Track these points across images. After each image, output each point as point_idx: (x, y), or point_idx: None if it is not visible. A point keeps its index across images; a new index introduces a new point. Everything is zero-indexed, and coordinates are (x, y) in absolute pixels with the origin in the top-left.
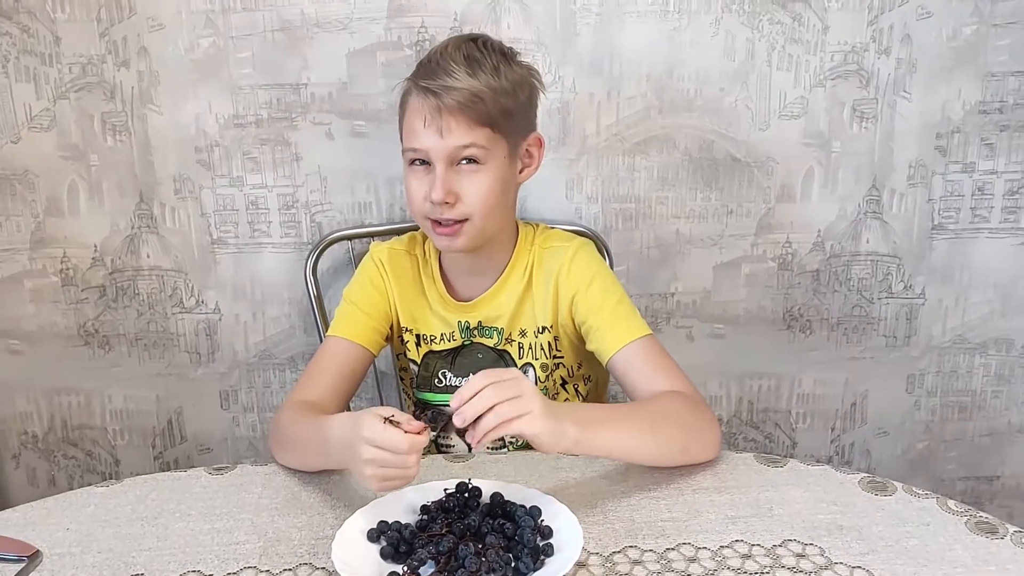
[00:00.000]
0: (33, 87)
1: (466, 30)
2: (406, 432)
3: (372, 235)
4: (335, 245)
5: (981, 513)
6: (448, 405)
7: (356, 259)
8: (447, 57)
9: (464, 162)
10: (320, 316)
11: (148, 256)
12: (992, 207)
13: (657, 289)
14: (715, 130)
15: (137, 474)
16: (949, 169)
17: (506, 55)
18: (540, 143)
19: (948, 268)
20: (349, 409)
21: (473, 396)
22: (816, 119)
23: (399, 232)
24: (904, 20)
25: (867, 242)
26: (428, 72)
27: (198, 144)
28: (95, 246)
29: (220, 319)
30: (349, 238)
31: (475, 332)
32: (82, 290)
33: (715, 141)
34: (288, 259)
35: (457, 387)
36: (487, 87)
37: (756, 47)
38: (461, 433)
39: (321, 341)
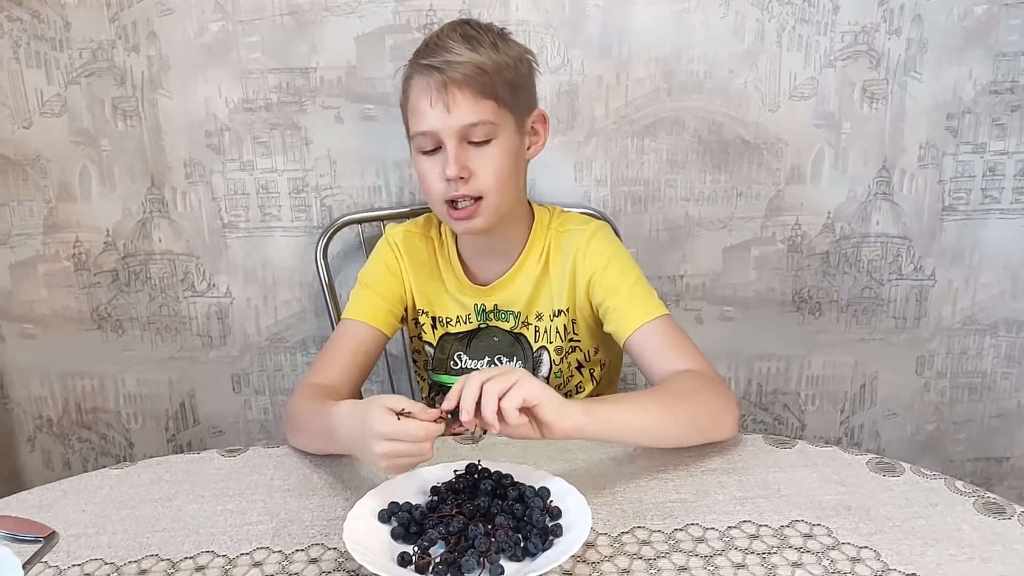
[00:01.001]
0: (44, 72)
1: (474, 12)
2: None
3: (382, 218)
4: (345, 228)
5: (989, 494)
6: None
7: (366, 242)
8: (444, 37)
9: (474, 141)
10: (331, 299)
11: (160, 240)
12: (1003, 188)
13: (666, 272)
14: (724, 112)
15: (151, 456)
16: (960, 150)
17: (501, 34)
18: (544, 119)
19: (958, 249)
20: (361, 392)
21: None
22: (826, 100)
23: (409, 215)
24: (915, 0)
25: (877, 224)
26: (428, 52)
27: (208, 128)
28: (107, 230)
29: (232, 303)
30: (359, 221)
31: (491, 315)
32: (95, 274)
33: (724, 123)
34: (299, 243)
35: (473, 369)
36: (489, 60)
37: (766, 28)
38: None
39: (332, 324)
